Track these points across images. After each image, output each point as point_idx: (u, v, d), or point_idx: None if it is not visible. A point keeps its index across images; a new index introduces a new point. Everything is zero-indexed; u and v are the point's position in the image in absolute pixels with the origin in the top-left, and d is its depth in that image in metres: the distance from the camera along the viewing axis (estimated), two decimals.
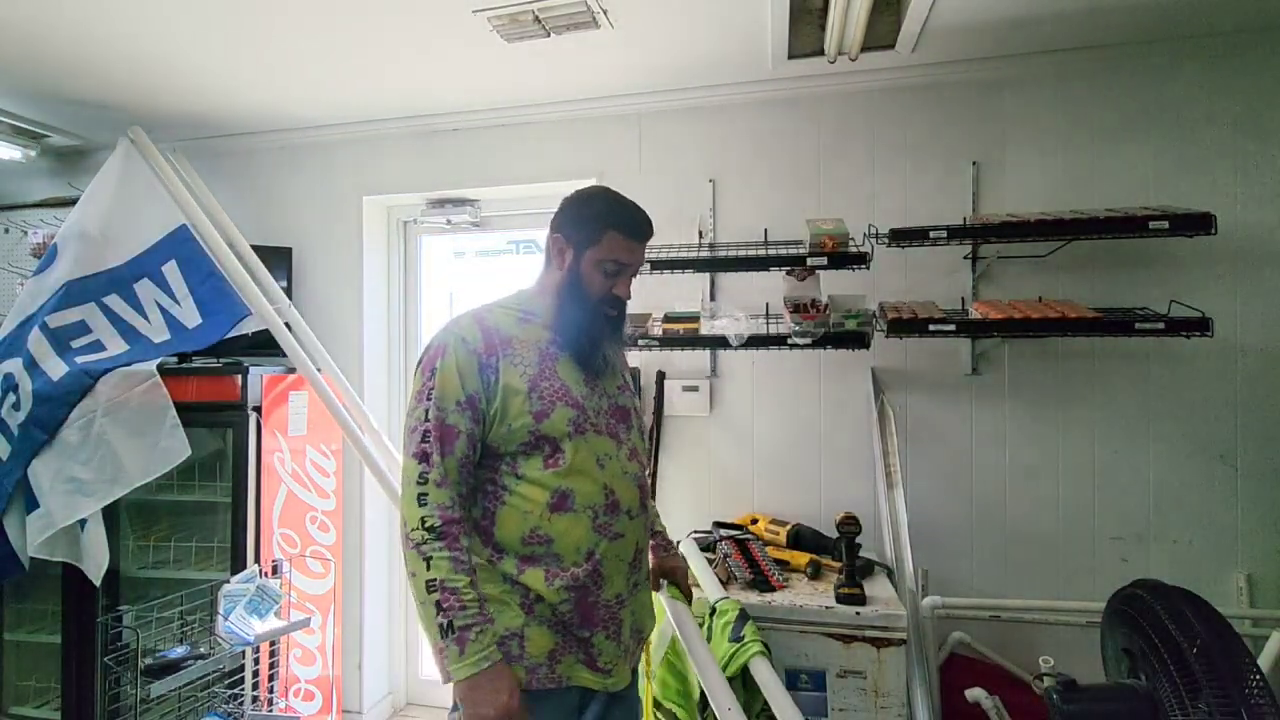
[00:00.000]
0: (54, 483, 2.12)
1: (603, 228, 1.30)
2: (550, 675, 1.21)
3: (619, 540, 1.28)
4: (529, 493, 1.23)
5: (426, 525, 1.15)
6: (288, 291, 2.65)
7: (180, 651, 2.02)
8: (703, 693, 1.35)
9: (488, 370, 1.22)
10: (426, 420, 1.19)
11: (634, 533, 1.31)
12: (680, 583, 1.56)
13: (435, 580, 1.12)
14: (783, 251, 2.14)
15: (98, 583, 2.19)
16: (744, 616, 1.64)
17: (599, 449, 1.28)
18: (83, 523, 2.15)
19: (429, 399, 1.20)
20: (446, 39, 2.10)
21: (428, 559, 1.13)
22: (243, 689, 2.24)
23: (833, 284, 2.22)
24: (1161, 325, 1.89)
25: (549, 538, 1.22)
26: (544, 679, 1.20)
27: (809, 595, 1.87)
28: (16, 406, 2.19)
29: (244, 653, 2.18)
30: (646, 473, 1.41)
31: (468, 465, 1.22)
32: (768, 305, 2.38)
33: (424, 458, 1.18)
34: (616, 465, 1.30)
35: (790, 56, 2.19)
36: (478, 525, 1.26)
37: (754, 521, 2.28)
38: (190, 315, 2.25)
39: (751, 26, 2.04)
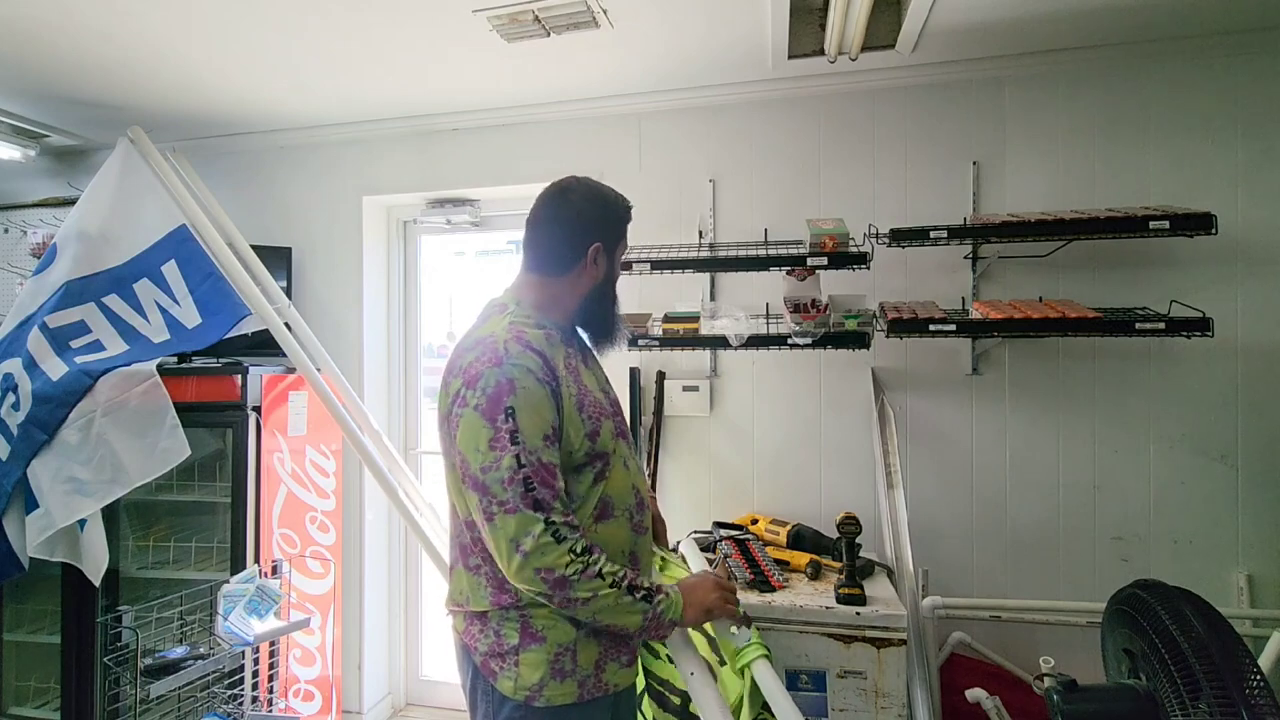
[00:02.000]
0: (53, 483, 2.12)
1: (624, 225, 1.34)
2: (598, 684, 1.21)
3: (645, 533, 1.33)
4: (578, 510, 1.21)
5: (577, 551, 1.11)
6: (288, 291, 2.65)
7: (180, 652, 2.02)
8: None
9: (556, 399, 1.17)
10: (523, 466, 1.10)
11: (649, 521, 1.36)
12: (661, 536, 1.55)
13: (615, 579, 1.13)
14: (783, 251, 2.14)
15: (97, 583, 2.18)
16: (747, 621, 1.64)
17: (622, 451, 1.30)
18: (82, 523, 2.15)
19: (516, 442, 1.11)
20: (446, 39, 2.10)
21: (598, 573, 1.12)
22: (242, 689, 2.24)
23: (833, 284, 2.22)
24: (1161, 325, 1.89)
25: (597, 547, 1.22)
26: (593, 689, 1.20)
27: (809, 595, 1.87)
28: (16, 406, 2.18)
29: (244, 653, 2.18)
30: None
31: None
32: (768, 305, 2.38)
33: (539, 505, 1.10)
34: (633, 462, 1.33)
35: (790, 56, 2.18)
36: None
37: (754, 521, 2.28)
38: (190, 315, 2.24)
39: (751, 26, 2.03)
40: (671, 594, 1.19)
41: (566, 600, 1.11)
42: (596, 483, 1.23)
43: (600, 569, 1.12)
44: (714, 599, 1.21)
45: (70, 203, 2.44)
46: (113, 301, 2.27)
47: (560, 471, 1.16)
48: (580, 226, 1.27)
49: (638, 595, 1.14)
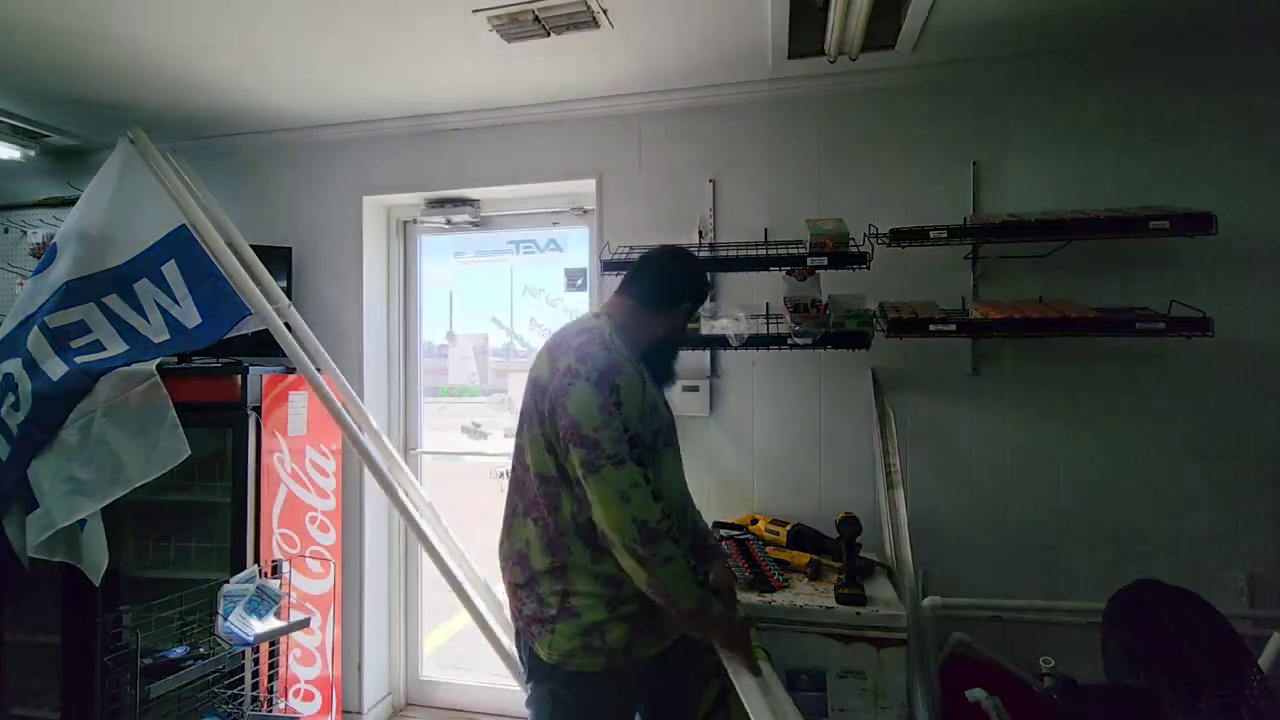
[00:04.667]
0: (53, 483, 2.12)
1: (705, 299, 1.73)
2: (626, 657, 1.37)
3: (684, 536, 1.45)
4: None
5: (667, 514, 1.29)
6: (288, 291, 2.65)
7: (180, 652, 2.02)
8: None
9: (646, 391, 1.39)
10: (628, 430, 1.29)
11: (688, 526, 1.56)
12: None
13: (686, 553, 1.30)
14: (783, 251, 2.14)
15: (97, 583, 2.18)
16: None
17: (669, 459, 1.50)
18: (82, 523, 2.15)
19: (619, 410, 1.29)
20: (446, 38, 2.10)
21: (676, 540, 1.29)
22: (242, 689, 2.23)
23: (833, 284, 2.22)
24: (1161, 325, 1.89)
25: None
26: (620, 662, 1.36)
27: (809, 595, 1.87)
28: (16, 407, 2.19)
29: (243, 653, 2.18)
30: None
31: None
32: (768, 305, 2.38)
33: (641, 461, 1.29)
34: (681, 469, 1.55)
35: (790, 56, 2.18)
36: (581, 529, 1.36)
37: (754, 521, 2.27)
38: (190, 315, 2.24)
39: (751, 26, 2.04)
40: (718, 602, 1.36)
41: (651, 555, 1.25)
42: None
43: (678, 539, 1.30)
44: (742, 638, 1.39)
45: (70, 203, 2.44)
46: (113, 301, 2.27)
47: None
48: (684, 285, 1.56)
49: (699, 577, 1.31)
